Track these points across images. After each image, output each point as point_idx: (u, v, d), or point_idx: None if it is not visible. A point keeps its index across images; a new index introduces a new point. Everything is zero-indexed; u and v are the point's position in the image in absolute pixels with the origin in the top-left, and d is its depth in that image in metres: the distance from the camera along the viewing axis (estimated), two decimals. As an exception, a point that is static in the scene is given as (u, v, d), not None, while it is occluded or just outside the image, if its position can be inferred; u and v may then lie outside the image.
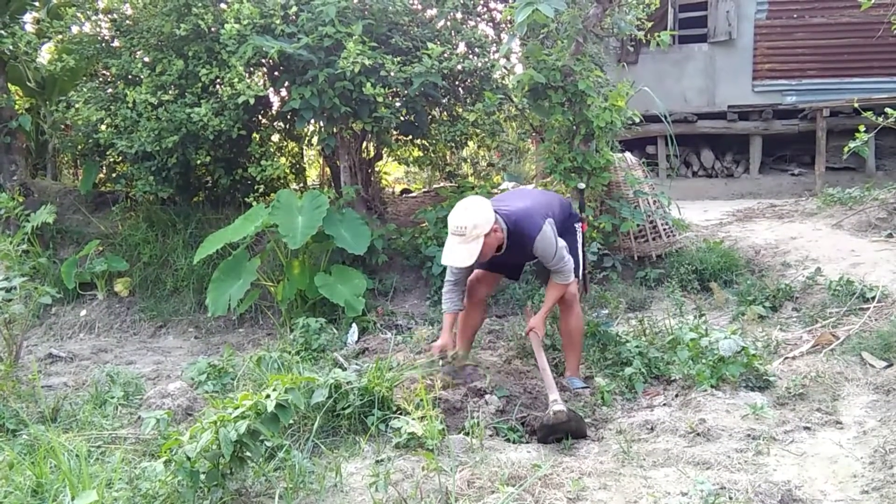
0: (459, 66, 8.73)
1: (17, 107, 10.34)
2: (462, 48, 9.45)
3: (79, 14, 9.57)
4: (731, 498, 3.65)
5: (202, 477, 3.72)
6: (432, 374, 5.40)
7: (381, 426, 4.75)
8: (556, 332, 6.25)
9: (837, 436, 4.42)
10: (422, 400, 4.57)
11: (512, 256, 5.51)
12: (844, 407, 4.83)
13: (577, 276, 5.66)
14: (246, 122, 9.20)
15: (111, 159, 10.44)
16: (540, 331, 5.49)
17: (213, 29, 8.70)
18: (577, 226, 5.87)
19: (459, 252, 5.07)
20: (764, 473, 3.96)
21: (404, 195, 13.43)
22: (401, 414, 4.70)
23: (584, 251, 5.83)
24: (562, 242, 5.40)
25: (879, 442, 4.18)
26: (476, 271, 5.82)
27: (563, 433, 4.64)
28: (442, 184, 13.49)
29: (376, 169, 11.00)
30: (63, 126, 10.81)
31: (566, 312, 5.69)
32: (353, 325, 7.74)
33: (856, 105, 8.95)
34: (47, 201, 9.86)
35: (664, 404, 5.15)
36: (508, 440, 4.70)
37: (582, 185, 6.28)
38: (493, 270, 5.83)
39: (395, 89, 8.66)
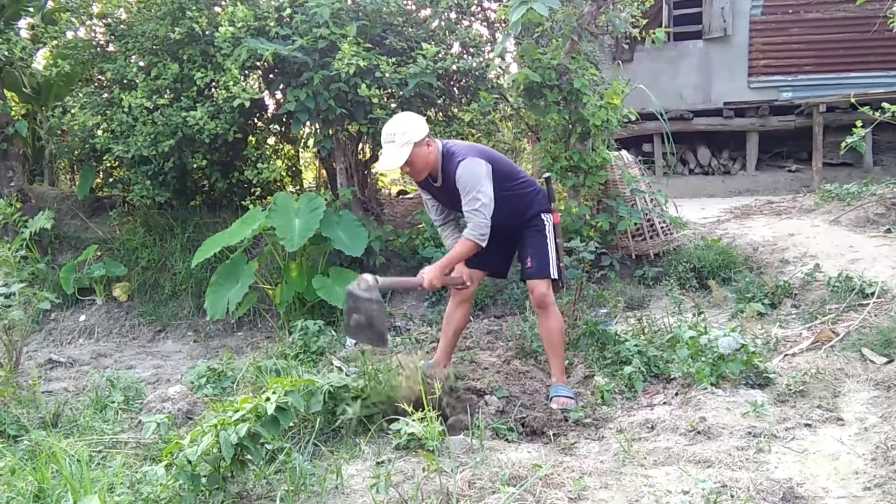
0: (454, 67, 8.74)
1: (13, 113, 10.35)
2: (456, 48, 9.46)
3: (73, 19, 9.58)
4: (732, 496, 3.65)
5: (203, 480, 3.72)
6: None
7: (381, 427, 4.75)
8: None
9: (838, 432, 4.42)
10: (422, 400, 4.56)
11: (447, 191, 5.31)
12: (845, 403, 4.83)
13: (549, 274, 5.45)
14: (242, 126, 9.20)
15: (108, 164, 10.46)
16: (428, 276, 5.11)
17: (207, 32, 8.69)
18: (547, 216, 5.54)
19: (389, 156, 5.08)
20: (765, 471, 3.96)
21: (400, 196, 13.43)
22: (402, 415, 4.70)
23: (558, 244, 5.65)
24: (486, 189, 5.06)
25: (881, 438, 4.18)
26: (459, 268, 5.63)
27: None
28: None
29: (372, 170, 10.99)
30: (59, 131, 10.80)
31: (543, 315, 5.49)
32: (352, 326, 7.72)
33: (852, 100, 8.96)
34: (45, 207, 9.87)
35: (664, 403, 5.15)
36: (508, 440, 4.69)
37: (549, 174, 6.14)
38: (474, 266, 5.65)
39: (390, 90, 8.67)
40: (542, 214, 5.50)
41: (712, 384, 5.15)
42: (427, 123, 5.18)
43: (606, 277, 8.22)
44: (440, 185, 5.31)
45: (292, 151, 11.65)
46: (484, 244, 5.12)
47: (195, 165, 9.47)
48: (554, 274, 5.47)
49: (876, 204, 9.22)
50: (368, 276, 4.89)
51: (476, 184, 5.04)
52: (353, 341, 7.49)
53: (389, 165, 5.18)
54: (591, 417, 4.99)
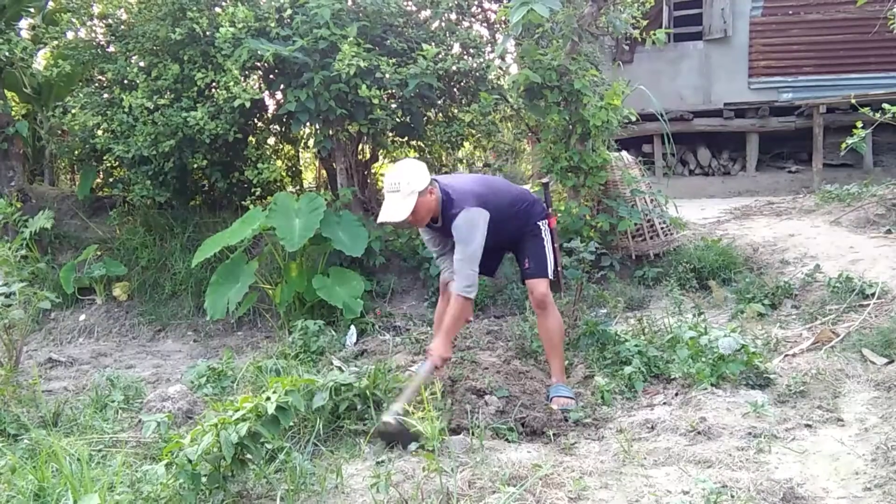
0: (454, 67, 8.75)
1: (13, 113, 10.35)
2: (457, 49, 9.47)
3: (74, 19, 9.56)
4: (732, 496, 3.65)
5: (203, 479, 3.72)
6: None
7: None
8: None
9: (839, 433, 4.42)
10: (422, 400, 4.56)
11: (446, 232, 5.31)
12: (845, 404, 4.83)
13: (547, 274, 5.51)
14: (242, 126, 9.20)
15: (108, 164, 10.45)
16: (437, 352, 5.08)
17: (208, 33, 8.69)
18: (543, 223, 5.60)
19: (393, 208, 4.99)
20: (766, 471, 3.96)
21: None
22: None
23: (555, 247, 5.68)
24: (476, 247, 5.10)
25: (881, 439, 4.18)
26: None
27: (389, 440, 4.64)
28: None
29: (372, 171, 10.99)
30: (60, 131, 10.80)
31: (542, 315, 5.51)
32: (352, 326, 7.73)
33: (853, 101, 8.96)
34: (45, 207, 9.87)
35: (664, 403, 5.14)
36: (508, 440, 4.69)
37: (546, 180, 6.20)
38: None
39: (390, 91, 8.67)
40: (539, 222, 5.58)
41: (712, 384, 5.15)
42: (426, 171, 5.14)
43: (606, 278, 8.22)
44: (440, 226, 5.31)
45: (292, 152, 11.65)
46: (473, 296, 5.23)
47: (195, 165, 9.46)
48: (551, 274, 5.50)
49: (876, 205, 9.23)
50: (388, 419, 4.62)
51: (468, 234, 5.11)
52: (353, 338, 7.52)
53: (395, 218, 5.02)
54: (591, 417, 4.99)
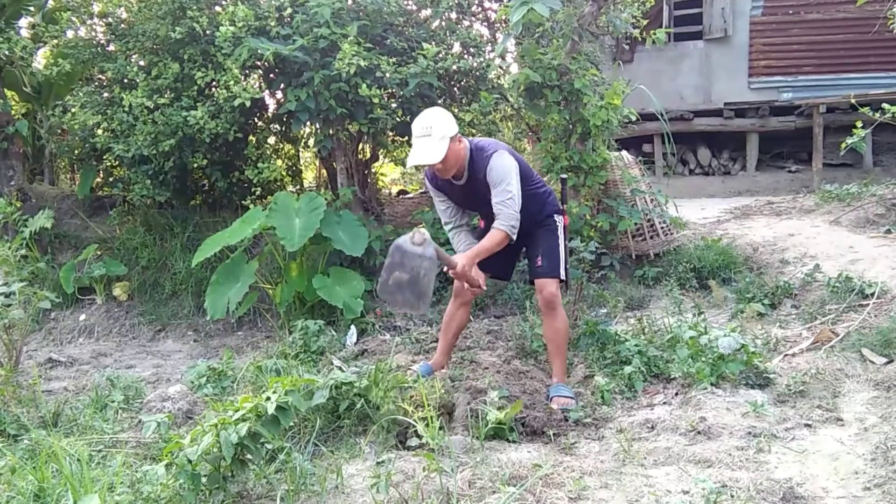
0: (455, 67, 8.74)
1: (13, 112, 10.35)
2: (457, 48, 9.46)
3: (74, 18, 9.56)
4: (732, 496, 3.65)
5: (203, 480, 3.72)
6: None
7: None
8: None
9: (838, 433, 4.42)
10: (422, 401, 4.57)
11: (471, 186, 5.30)
12: (845, 404, 4.83)
13: (559, 274, 5.48)
14: (242, 125, 9.20)
15: (108, 163, 10.45)
16: (462, 261, 5.15)
17: (208, 32, 8.69)
18: (559, 218, 5.61)
19: (427, 150, 4.98)
20: (765, 471, 3.96)
21: (401, 196, 13.44)
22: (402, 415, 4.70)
23: (566, 245, 5.68)
24: (515, 183, 5.13)
25: (881, 438, 4.18)
26: (476, 272, 5.75)
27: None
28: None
29: (373, 170, 10.99)
30: (59, 131, 10.80)
31: (549, 315, 5.47)
32: (352, 326, 7.74)
33: (852, 101, 8.96)
34: (45, 206, 9.87)
35: (664, 403, 5.14)
36: (508, 440, 4.69)
37: (565, 176, 6.20)
38: (479, 267, 5.69)
39: (390, 90, 8.66)
40: (555, 215, 5.57)
41: (712, 384, 5.15)
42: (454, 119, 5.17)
43: (606, 277, 8.22)
44: (463, 182, 5.29)
45: (293, 151, 11.65)
46: (514, 236, 5.19)
47: (195, 165, 9.47)
48: (563, 275, 5.50)
49: (876, 204, 9.23)
50: (424, 231, 4.75)
51: (507, 176, 5.11)
52: (354, 338, 7.52)
53: (429, 160, 5.01)
54: (591, 417, 4.99)
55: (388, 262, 4.81)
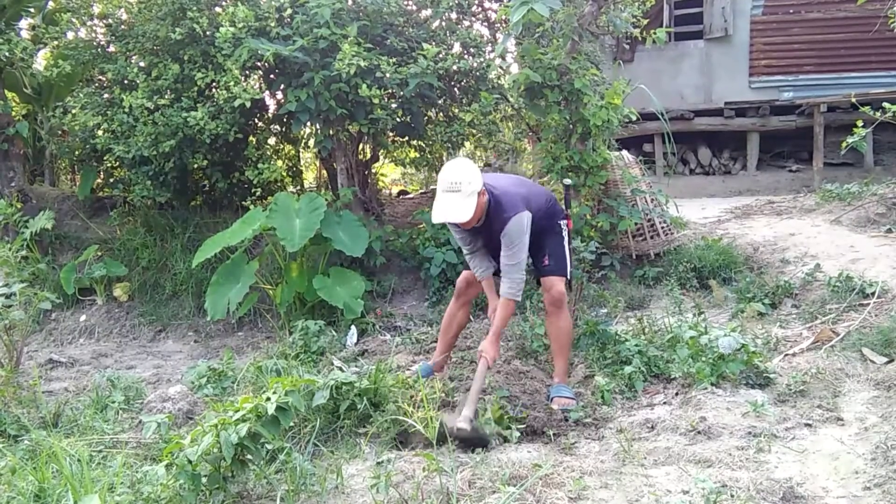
0: (455, 67, 8.74)
1: (13, 113, 10.34)
2: (457, 48, 9.46)
3: (74, 19, 9.56)
4: (732, 496, 3.65)
5: (204, 480, 3.72)
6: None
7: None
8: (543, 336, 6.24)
9: (839, 432, 4.42)
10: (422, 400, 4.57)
11: (485, 235, 5.37)
12: (845, 403, 4.83)
13: (566, 273, 5.57)
14: (242, 126, 9.20)
15: (108, 164, 10.46)
16: (490, 354, 5.17)
17: (208, 32, 8.69)
18: (563, 223, 5.68)
19: (455, 208, 4.96)
20: (765, 471, 3.96)
21: (401, 197, 13.44)
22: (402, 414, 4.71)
23: (570, 248, 5.72)
24: (524, 251, 5.23)
25: (881, 438, 4.18)
26: (466, 273, 5.82)
27: (465, 445, 4.57)
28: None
29: (373, 170, 10.99)
30: (60, 132, 10.81)
31: (555, 314, 5.50)
32: (353, 326, 7.74)
33: (853, 100, 8.95)
34: (45, 207, 9.88)
35: (664, 403, 5.15)
36: (508, 440, 4.69)
37: (569, 181, 6.22)
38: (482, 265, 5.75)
39: (390, 90, 8.66)
40: (560, 221, 5.64)
41: (712, 384, 5.15)
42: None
43: (607, 277, 8.22)
44: (479, 226, 5.29)
45: (293, 152, 11.65)
46: (519, 299, 5.31)
47: (196, 166, 9.47)
48: (569, 274, 5.53)
49: (876, 204, 9.23)
50: (466, 427, 4.56)
51: (519, 240, 5.17)
52: (354, 339, 7.52)
53: (459, 218, 4.99)
54: (591, 417, 4.99)
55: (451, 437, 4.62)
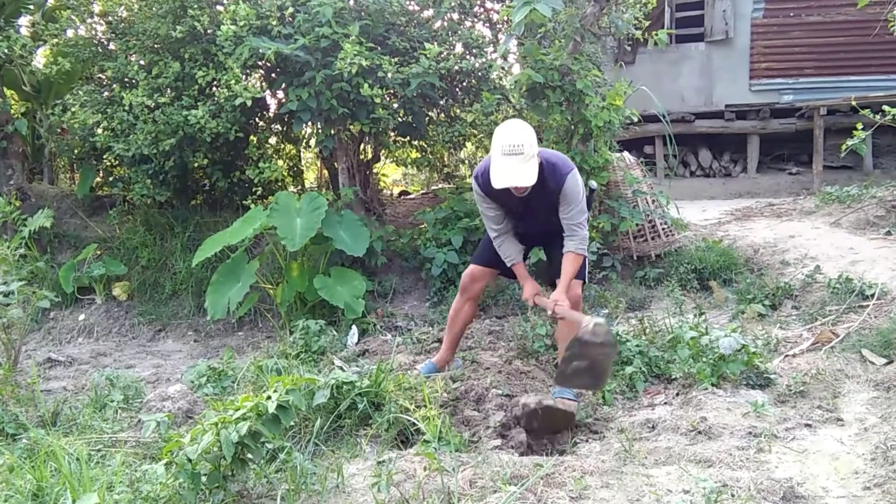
0: (457, 67, 8.74)
1: (12, 111, 10.34)
2: (459, 49, 9.46)
3: (74, 17, 9.58)
4: (733, 495, 3.65)
5: (203, 479, 3.71)
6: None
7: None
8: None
9: (839, 433, 4.42)
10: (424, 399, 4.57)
11: (532, 203, 5.14)
12: (845, 404, 4.83)
13: (584, 277, 5.44)
14: (243, 125, 9.20)
15: (108, 163, 10.45)
16: (566, 302, 4.98)
17: (209, 31, 8.69)
18: None
19: (519, 171, 4.71)
20: (766, 471, 3.95)
21: (402, 197, 13.44)
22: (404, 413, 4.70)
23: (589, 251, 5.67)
24: (586, 208, 5.13)
25: (881, 438, 4.18)
26: (472, 268, 5.75)
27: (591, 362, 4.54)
28: (440, 185, 13.50)
29: (374, 170, 10.99)
30: (59, 130, 10.79)
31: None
32: (353, 326, 7.73)
33: (853, 103, 8.95)
34: (44, 205, 9.87)
35: (665, 403, 5.14)
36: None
37: (594, 185, 6.14)
38: (488, 265, 5.67)
39: (392, 90, 8.66)
40: None
41: (713, 384, 5.15)
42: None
43: (608, 278, 8.22)
44: (526, 194, 5.04)
45: (294, 151, 11.66)
46: (586, 254, 5.20)
47: (196, 164, 9.47)
48: (586, 277, 5.49)
49: (876, 206, 9.23)
50: (603, 321, 4.57)
51: (580, 197, 5.07)
52: (355, 338, 7.50)
53: (524, 182, 4.76)
54: (592, 417, 4.99)
55: (567, 355, 4.61)
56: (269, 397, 3.89)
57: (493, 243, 5.51)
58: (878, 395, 4.86)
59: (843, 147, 8.35)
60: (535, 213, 5.28)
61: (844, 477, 3.88)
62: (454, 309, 5.85)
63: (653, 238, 8.61)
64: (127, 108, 8.85)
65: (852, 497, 3.68)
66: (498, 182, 4.79)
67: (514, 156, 4.71)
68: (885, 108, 8.22)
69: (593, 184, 6.20)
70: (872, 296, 6.51)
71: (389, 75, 8.26)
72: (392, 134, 9.72)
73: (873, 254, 7.65)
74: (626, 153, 9.10)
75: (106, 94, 9.61)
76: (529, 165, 4.72)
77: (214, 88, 8.87)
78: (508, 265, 5.48)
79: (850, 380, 5.16)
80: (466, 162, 14.70)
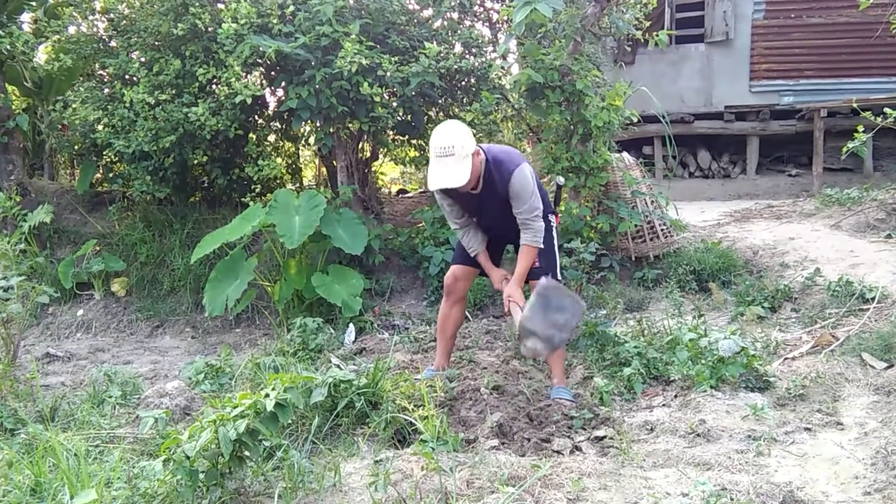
0: (456, 66, 8.74)
1: (14, 107, 10.33)
2: (459, 48, 9.46)
3: (76, 14, 9.56)
4: (732, 499, 3.64)
5: (201, 476, 3.70)
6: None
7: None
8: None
9: (838, 437, 4.41)
10: (422, 399, 4.56)
11: (485, 199, 5.22)
12: (845, 408, 4.82)
13: (557, 274, 5.42)
14: (243, 122, 9.20)
15: (108, 159, 10.45)
16: (517, 299, 5.15)
17: (210, 28, 8.69)
18: (552, 218, 5.52)
19: (450, 173, 4.83)
20: (765, 474, 3.95)
21: (400, 195, 13.43)
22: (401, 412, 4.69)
23: (559, 245, 5.62)
24: (539, 200, 5.14)
25: (881, 443, 4.17)
26: (452, 269, 5.73)
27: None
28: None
29: (373, 169, 10.98)
30: (60, 126, 10.79)
31: None
32: (351, 324, 7.73)
33: (854, 105, 8.95)
34: (44, 201, 9.87)
35: (663, 405, 5.13)
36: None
37: (561, 180, 6.16)
38: (468, 264, 5.65)
39: (392, 89, 8.66)
40: (549, 215, 5.48)
41: (712, 387, 5.14)
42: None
43: (606, 279, 8.21)
44: (478, 192, 5.17)
45: (293, 149, 11.65)
46: (542, 245, 5.22)
47: (196, 162, 9.46)
48: (560, 275, 5.47)
49: (876, 209, 9.23)
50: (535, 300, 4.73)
51: (530, 191, 5.07)
52: (352, 336, 7.50)
53: (455, 182, 4.85)
54: (590, 417, 4.98)
55: (540, 303, 4.70)
56: (267, 395, 3.88)
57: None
58: (878, 400, 4.85)
59: (844, 149, 8.35)
60: (489, 209, 5.34)
61: (844, 481, 3.87)
62: (442, 314, 5.80)
63: (651, 239, 8.61)
64: (127, 104, 8.86)
65: (852, 502, 3.67)
66: (432, 184, 4.94)
67: (446, 157, 4.84)
68: (887, 110, 8.20)
69: (560, 179, 6.20)
70: (873, 299, 6.51)
71: (389, 74, 8.26)
72: (391, 132, 9.72)
73: (874, 257, 7.65)
74: (625, 154, 9.09)
75: (107, 90, 9.61)
76: (462, 166, 4.83)
77: (215, 86, 8.87)
78: (472, 256, 5.55)
79: (850, 383, 5.15)
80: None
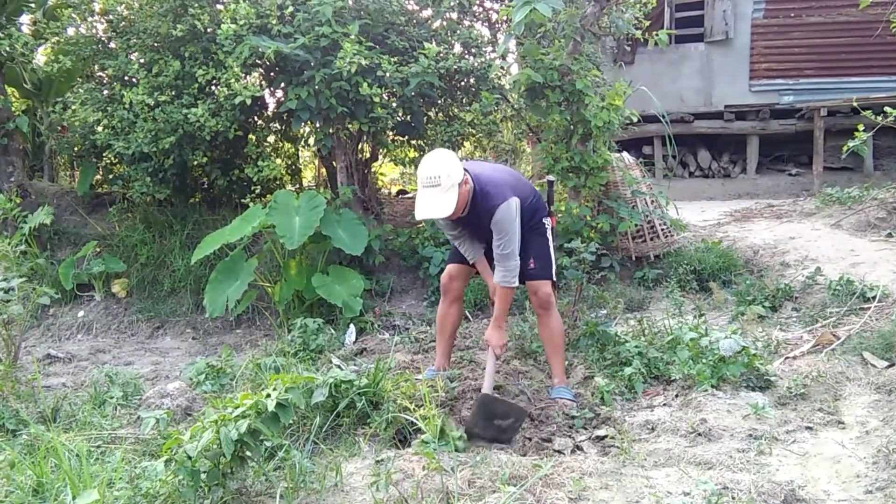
0: (456, 66, 8.74)
1: (13, 108, 10.33)
2: (458, 48, 9.45)
3: (75, 15, 9.56)
4: (733, 498, 3.64)
5: (203, 476, 3.70)
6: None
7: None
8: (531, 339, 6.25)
9: (840, 436, 4.41)
10: (423, 399, 4.56)
11: (472, 222, 5.26)
12: (846, 407, 4.82)
13: (552, 276, 5.46)
14: (242, 123, 9.20)
15: (108, 160, 10.42)
16: (495, 342, 5.20)
17: (209, 29, 8.69)
18: (547, 220, 5.54)
19: (436, 203, 4.84)
20: (766, 473, 3.95)
21: (400, 196, 13.42)
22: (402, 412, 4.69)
23: (554, 247, 5.63)
24: (517, 238, 5.13)
25: (882, 442, 4.17)
26: (448, 268, 5.75)
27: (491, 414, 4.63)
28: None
29: (372, 169, 10.98)
30: (60, 127, 10.79)
31: (545, 317, 5.47)
32: (351, 325, 7.73)
33: (854, 104, 8.94)
34: (44, 203, 9.87)
35: (664, 404, 5.13)
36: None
37: (552, 178, 6.16)
38: (463, 262, 5.67)
39: (391, 89, 8.65)
40: (543, 218, 5.49)
41: (713, 386, 5.13)
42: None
43: (606, 279, 8.20)
44: (465, 215, 5.17)
45: (292, 150, 11.64)
46: (516, 285, 5.25)
47: (195, 163, 9.46)
48: (554, 276, 5.47)
49: (877, 208, 9.22)
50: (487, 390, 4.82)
51: (511, 227, 5.07)
52: (353, 337, 7.50)
53: (440, 213, 4.87)
54: (591, 417, 4.98)
55: (483, 413, 4.68)
56: (268, 395, 3.89)
57: None
58: (879, 398, 4.85)
59: (845, 148, 8.33)
60: (475, 231, 5.43)
61: (846, 480, 3.87)
62: (440, 314, 5.82)
63: (652, 239, 8.60)
64: (127, 106, 8.86)
65: (854, 501, 3.67)
66: (419, 214, 4.93)
67: (432, 188, 4.85)
68: (887, 109, 8.19)
69: (551, 177, 6.20)
70: (873, 298, 6.51)
71: (388, 74, 8.26)
72: (391, 133, 9.71)
73: (874, 256, 7.64)
74: (624, 153, 9.08)
75: (106, 92, 9.61)
76: (448, 196, 4.84)
77: (214, 87, 8.87)
78: (470, 262, 5.60)
79: (851, 382, 5.15)
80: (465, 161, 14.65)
